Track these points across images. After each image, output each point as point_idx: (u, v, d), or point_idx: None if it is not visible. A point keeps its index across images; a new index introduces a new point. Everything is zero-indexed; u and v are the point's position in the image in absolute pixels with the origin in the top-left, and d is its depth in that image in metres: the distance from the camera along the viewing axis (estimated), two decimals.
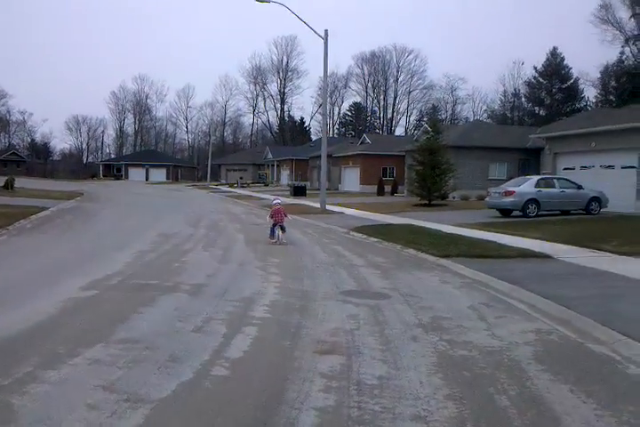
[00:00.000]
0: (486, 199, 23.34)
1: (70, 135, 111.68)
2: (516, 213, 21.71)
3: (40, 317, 6.37)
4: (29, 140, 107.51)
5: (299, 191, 43.41)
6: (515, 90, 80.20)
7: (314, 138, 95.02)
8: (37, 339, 5.55)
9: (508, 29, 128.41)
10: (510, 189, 21.72)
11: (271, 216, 14.68)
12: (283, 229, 14.43)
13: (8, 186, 36.31)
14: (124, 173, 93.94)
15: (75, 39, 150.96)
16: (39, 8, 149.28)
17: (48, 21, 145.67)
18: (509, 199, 21.37)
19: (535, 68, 73.78)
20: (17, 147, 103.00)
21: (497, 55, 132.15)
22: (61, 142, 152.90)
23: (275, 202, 15.53)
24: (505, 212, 22.09)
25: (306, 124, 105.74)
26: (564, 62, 71.87)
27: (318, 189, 33.44)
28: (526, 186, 21.70)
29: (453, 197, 32.95)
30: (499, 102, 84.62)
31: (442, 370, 4.96)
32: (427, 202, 29.25)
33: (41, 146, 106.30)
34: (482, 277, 9.58)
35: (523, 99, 78.78)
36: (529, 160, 36.52)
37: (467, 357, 5.37)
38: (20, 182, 42.72)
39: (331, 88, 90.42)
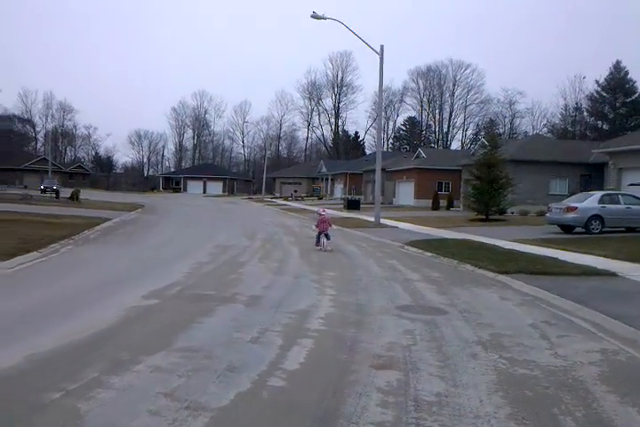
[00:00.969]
0: (547, 215, 22.68)
1: (132, 149, 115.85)
2: (578, 229, 21.01)
3: (104, 324, 6.58)
4: (94, 153, 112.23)
5: (352, 205, 43.42)
6: (576, 104, 78.03)
7: (368, 152, 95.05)
8: (102, 346, 5.73)
9: (567, 43, 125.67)
10: (573, 204, 21.07)
11: (317, 225, 16.20)
12: (327, 236, 15.80)
13: (74, 197, 37.88)
14: (182, 186, 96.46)
15: (139, 57, 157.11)
16: (104, 29, 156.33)
17: (113, 41, 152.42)
18: (571, 215, 20.72)
19: (597, 81, 71.87)
20: (82, 160, 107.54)
21: (557, 69, 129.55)
22: (124, 156, 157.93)
23: (320, 213, 16.73)
24: (567, 228, 21.42)
25: (360, 139, 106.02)
26: (628, 76, 69.75)
27: (372, 203, 33.37)
28: (589, 202, 21.01)
29: (512, 213, 32.21)
30: (559, 116, 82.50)
31: (502, 389, 4.83)
32: (484, 217, 28.70)
33: (104, 159, 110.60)
34: (543, 294, 9.30)
35: (585, 113, 76.60)
36: (591, 175, 35.37)
37: (528, 376, 5.21)
38: (85, 194, 44.48)
39: (385, 103, 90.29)
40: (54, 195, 44.32)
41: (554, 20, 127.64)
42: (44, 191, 49.43)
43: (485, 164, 29.21)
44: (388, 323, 7.17)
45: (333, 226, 16.97)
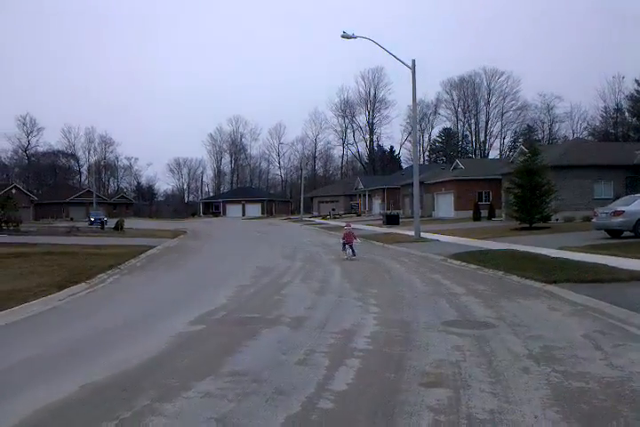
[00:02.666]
0: (593, 220, 22.12)
1: (172, 177, 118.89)
2: (626, 233, 20.39)
3: (154, 351, 6.69)
4: (136, 183, 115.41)
5: (391, 220, 43.21)
6: (617, 105, 76.35)
7: (404, 166, 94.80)
8: (152, 373, 5.83)
9: (604, 43, 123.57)
10: (619, 208, 20.51)
11: (343, 238, 19.06)
12: (352, 248, 18.46)
13: (118, 227, 38.84)
14: (222, 210, 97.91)
15: (174, 87, 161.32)
16: (138, 62, 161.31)
17: (148, 72, 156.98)
18: (619, 219, 20.15)
19: (637, 81, 70.19)
20: (125, 190, 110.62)
21: (594, 71, 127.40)
22: (164, 184, 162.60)
23: (345, 227, 20.05)
24: (614, 233, 20.82)
25: (395, 153, 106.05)
26: None
27: (411, 217, 33.15)
28: (636, 204, 20.41)
29: (556, 220, 31.51)
30: (600, 119, 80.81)
31: (558, 403, 4.69)
32: (527, 225, 28.15)
33: (146, 188, 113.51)
34: (594, 303, 9.03)
35: (626, 113, 74.80)
36: (636, 178, 34.40)
37: (584, 389, 5.04)
38: (129, 223, 45.63)
39: (419, 116, 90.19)
40: (100, 226, 45.53)
41: (588, 21, 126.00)
42: (92, 224, 49.92)
43: (526, 171, 28.77)
44: (435, 339, 7.07)
45: (358, 239, 20.00)
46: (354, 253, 18.33)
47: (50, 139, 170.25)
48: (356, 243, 19.04)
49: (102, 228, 44.21)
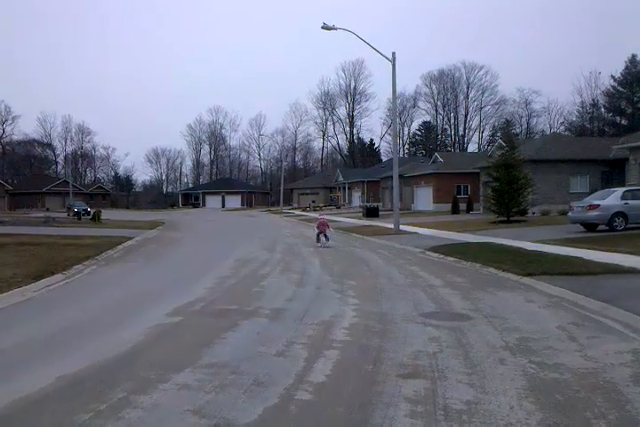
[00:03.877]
0: (569, 214, 22.42)
1: (150, 167, 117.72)
2: (601, 227, 20.73)
3: (130, 343, 6.63)
4: (113, 173, 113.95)
5: (371, 213, 43.32)
6: (593, 100, 77.36)
7: (384, 159, 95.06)
8: (129, 365, 5.77)
9: (582, 40, 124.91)
10: (595, 202, 20.81)
11: (317, 227, 20.61)
12: (326, 236, 20.13)
13: (95, 218, 38.35)
14: (201, 202, 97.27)
15: (153, 76, 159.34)
16: (118, 49, 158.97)
17: (127, 61, 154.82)
18: (594, 213, 20.46)
19: (613, 77, 71.25)
20: (102, 180, 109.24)
21: (572, 66, 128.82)
22: (142, 174, 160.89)
23: (319, 217, 22.06)
24: (590, 226, 21.14)
25: (375, 146, 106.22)
26: None
27: (391, 210, 33.28)
28: (612, 199, 20.74)
29: (533, 213, 31.88)
30: (576, 114, 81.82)
31: (533, 394, 4.76)
32: (505, 219, 28.45)
33: (124, 179, 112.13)
34: (569, 295, 9.17)
35: (602, 109, 75.84)
36: (612, 172, 34.94)
37: (559, 380, 5.12)
38: (106, 214, 45.04)
39: (399, 108, 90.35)
40: (77, 217, 44.84)
41: (566, 17, 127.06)
42: (77, 215, 45.90)
43: (503, 165, 29.02)
44: (412, 331, 7.12)
45: (331, 229, 21.23)
46: (327, 239, 20.06)
47: (25, 128, 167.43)
48: (329, 232, 20.50)
49: (79, 218, 43.62)
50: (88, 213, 43.26)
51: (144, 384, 5.08)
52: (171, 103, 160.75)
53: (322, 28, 26.17)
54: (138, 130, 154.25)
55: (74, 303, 9.67)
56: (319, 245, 19.89)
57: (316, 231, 20.64)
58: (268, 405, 4.57)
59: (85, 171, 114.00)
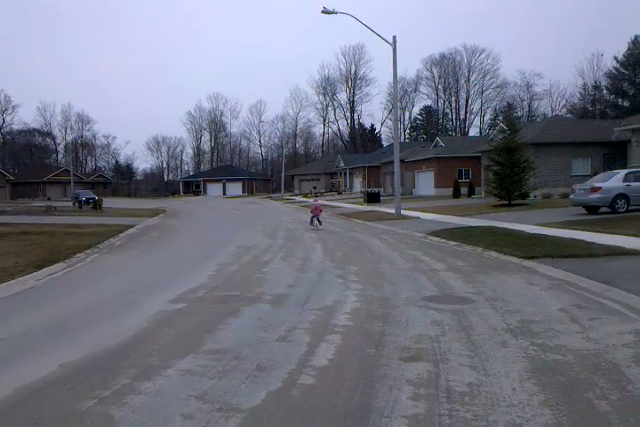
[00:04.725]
0: (570, 197, 22.36)
1: (151, 155, 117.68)
2: (603, 209, 20.68)
3: (134, 330, 6.65)
4: (114, 162, 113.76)
5: (372, 198, 43.28)
6: (595, 82, 76.68)
7: (385, 144, 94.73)
8: (132, 351, 5.79)
9: (584, 21, 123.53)
10: (597, 184, 20.73)
11: (311, 211, 22.04)
12: (319, 220, 21.72)
13: (96, 206, 38.40)
14: (202, 189, 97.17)
15: (152, 63, 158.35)
16: (116, 37, 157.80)
17: (125, 49, 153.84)
18: (596, 195, 20.39)
19: (616, 58, 70.45)
20: (103, 169, 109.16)
21: (574, 48, 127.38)
22: (143, 162, 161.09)
23: (313, 202, 23.44)
24: (591, 209, 21.10)
25: (376, 131, 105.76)
26: None
27: (392, 195, 33.21)
28: (613, 181, 20.65)
29: (535, 196, 31.81)
30: (578, 96, 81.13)
31: (535, 376, 4.77)
32: (506, 202, 28.42)
33: (124, 167, 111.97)
34: (571, 277, 9.17)
35: (604, 91, 75.18)
36: (614, 154, 34.78)
37: (561, 361, 5.13)
38: (107, 202, 45.11)
39: (400, 93, 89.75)
40: (79, 205, 44.83)
41: None
42: (83, 204, 45.18)
43: (505, 148, 28.89)
44: (415, 315, 7.13)
45: (323, 213, 23.06)
46: (320, 223, 21.70)
47: (25, 117, 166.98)
48: (322, 215, 22.49)
49: (81, 207, 43.68)
50: (95, 202, 42.94)
51: (147, 371, 5.10)
52: (171, 91, 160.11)
53: (322, 12, 25.92)
54: (138, 118, 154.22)
55: (76, 292, 9.70)
56: (312, 227, 21.64)
57: (310, 215, 22.18)
58: (270, 389, 4.58)
59: (86, 159, 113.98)
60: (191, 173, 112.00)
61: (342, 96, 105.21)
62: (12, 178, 75.64)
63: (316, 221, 21.66)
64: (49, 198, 72.22)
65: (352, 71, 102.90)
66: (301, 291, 8.96)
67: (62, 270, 11.88)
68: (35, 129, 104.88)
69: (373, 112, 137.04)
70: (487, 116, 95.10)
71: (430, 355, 5.42)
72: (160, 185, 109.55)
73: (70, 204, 50.07)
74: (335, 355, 5.52)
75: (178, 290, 9.15)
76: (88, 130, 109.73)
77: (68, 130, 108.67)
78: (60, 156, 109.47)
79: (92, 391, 4.60)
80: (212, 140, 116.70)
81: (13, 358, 5.66)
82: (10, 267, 11.14)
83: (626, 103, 69.27)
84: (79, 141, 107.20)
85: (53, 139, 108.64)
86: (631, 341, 5.71)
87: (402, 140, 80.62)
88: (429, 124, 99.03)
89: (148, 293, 9.22)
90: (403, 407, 4.16)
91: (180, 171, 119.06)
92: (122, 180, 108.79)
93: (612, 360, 5.10)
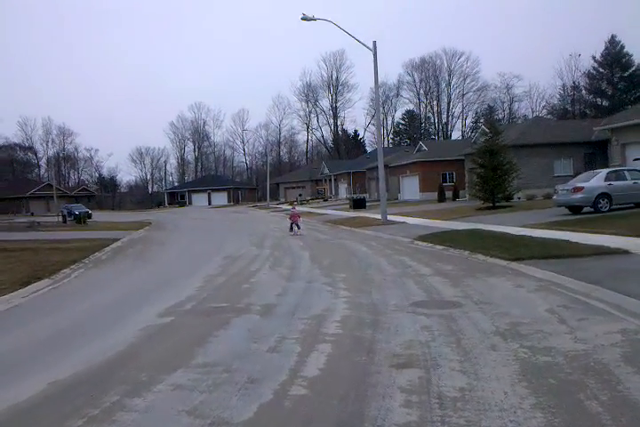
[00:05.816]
0: (554, 197, 22.56)
1: (135, 167, 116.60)
2: (586, 209, 20.88)
3: (122, 346, 6.59)
4: (97, 175, 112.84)
5: (358, 204, 43.37)
6: (574, 82, 77.69)
7: (369, 149, 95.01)
8: (121, 367, 5.73)
9: (561, 22, 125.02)
10: (579, 184, 20.92)
11: (290, 218, 23.82)
12: (297, 226, 22.93)
13: (81, 221, 38.06)
14: (187, 200, 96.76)
15: (133, 74, 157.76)
16: (95, 49, 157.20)
17: (105, 60, 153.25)
18: (579, 195, 20.57)
19: (594, 57, 71.52)
20: (86, 182, 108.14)
21: (552, 49, 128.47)
22: (127, 175, 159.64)
23: (291, 210, 26.16)
24: (575, 209, 21.28)
25: (360, 137, 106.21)
26: (624, 50, 69.49)
27: (378, 201, 33.29)
28: (596, 180, 20.85)
29: (518, 198, 32.08)
30: (558, 97, 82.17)
31: (526, 378, 4.78)
32: (491, 205, 28.61)
33: (108, 180, 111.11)
34: (557, 278, 9.24)
35: (583, 91, 76.21)
36: (595, 154, 35.19)
37: (551, 363, 5.16)
38: (92, 216, 44.65)
39: (382, 98, 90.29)
40: (62, 219, 44.41)
41: (545, 0, 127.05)
42: (69, 218, 43.87)
43: (487, 151, 29.14)
44: (404, 321, 7.14)
45: (301, 218, 24.42)
46: (299, 228, 22.95)
47: (5, 131, 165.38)
48: (300, 221, 23.70)
49: (65, 221, 43.27)
50: (89, 216, 42.15)
51: (137, 387, 5.05)
52: (153, 101, 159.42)
53: (301, 19, 25.95)
54: (120, 130, 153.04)
55: (62, 308, 9.58)
56: (292, 233, 22.71)
57: (290, 222, 23.52)
58: (262, 401, 4.55)
59: (69, 173, 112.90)
60: (176, 184, 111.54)
61: (325, 102, 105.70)
62: None
63: (295, 227, 22.85)
64: (32, 214, 71.41)
65: (334, 77, 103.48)
66: (290, 300, 8.93)
67: (48, 287, 11.75)
68: (16, 144, 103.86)
69: (356, 118, 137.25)
70: (469, 120, 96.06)
71: (421, 361, 5.43)
72: (145, 197, 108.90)
73: (55, 219, 49.43)
74: (326, 364, 5.50)
75: (166, 303, 9.08)
76: (70, 143, 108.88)
77: (49, 144, 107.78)
78: (43, 170, 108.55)
79: (82, 410, 4.54)
80: (196, 150, 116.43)
81: (1, 377, 5.57)
82: None
83: (605, 103, 70.28)
84: (61, 155, 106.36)
85: (35, 153, 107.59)
86: (619, 340, 5.76)
87: (385, 146, 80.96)
88: (412, 129, 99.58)
89: (135, 307, 9.14)
90: (395, 415, 4.15)
91: (165, 182, 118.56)
92: (106, 193, 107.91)
93: (602, 360, 5.13)
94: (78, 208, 49.49)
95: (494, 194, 28.51)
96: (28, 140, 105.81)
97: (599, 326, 6.37)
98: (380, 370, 5.20)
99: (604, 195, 20.46)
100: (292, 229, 23.12)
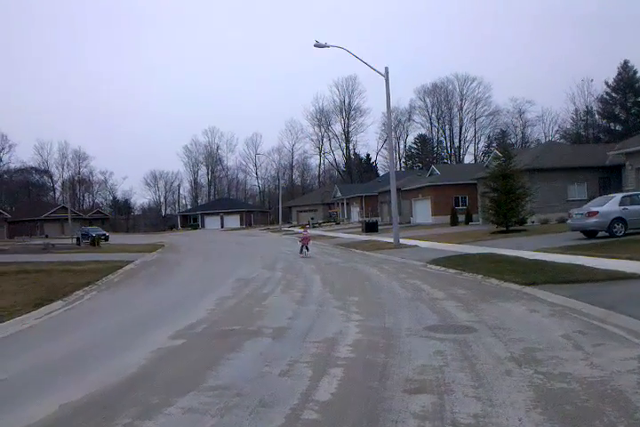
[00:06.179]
0: (568, 221, 22.43)
1: (149, 190, 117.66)
2: (601, 233, 20.71)
3: (133, 368, 6.58)
4: (111, 197, 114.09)
5: (370, 227, 43.28)
6: (587, 107, 77.85)
7: (381, 173, 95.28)
8: (132, 390, 5.72)
9: (573, 48, 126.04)
10: (594, 209, 20.82)
11: (300, 240, 24.80)
12: (307, 248, 24.00)
13: (95, 243, 38.33)
14: (200, 223, 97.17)
15: (148, 99, 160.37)
16: (112, 73, 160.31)
17: (121, 85, 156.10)
18: (593, 220, 20.45)
19: (607, 83, 71.83)
20: (100, 205, 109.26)
21: (564, 74, 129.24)
22: (141, 198, 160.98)
23: (303, 232, 26.54)
24: (589, 233, 21.13)
25: (372, 161, 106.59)
26: (638, 75, 69.66)
27: (390, 224, 33.27)
28: (610, 205, 20.74)
29: (532, 222, 31.89)
30: (570, 121, 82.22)
31: (541, 405, 4.71)
32: (504, 229, 28.45)
33: (122, 202, 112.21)
34: (572, 303, 9.13)
35: (596, 116, 76.34)
36: (609, 178, 35.04)
37: (566, 389, 5.08)
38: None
39: (394, 123, 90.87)
40: (76, 242, 44.74)
41: (556, 26, 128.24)
42: (84, 241, 43.68)
43: (500, 175, 29.10)
44: (417, 345, 7.08)
45: (311, 242, 25.84)
46: (308, 250, 23.95)
47: (22, 155, 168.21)
48: (310, 244, 24.95)
49: (79, 244, 43.58)
50: (107, 238, 42.60)
51: (148, 409, 5.03)
52: (167, 126, 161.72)
53: (314, 46, 26.35)
54: (135, 153, 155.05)
55: (75, 330, 9.61)
56: (301, 255, 23.49)
57: (300, 244, 24.47)
58: (274, 426, 4.52)
59: (83, 196, 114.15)
60: (189, 207, 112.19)
61: (337, 127, 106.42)
62: (9, 216, 75.56)
63: (305, 250, 23.76)
64: (47, 236, 72.07)
65: (346, 102, 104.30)
66: (302, 323, 8.89)
67: (61, 309, 11.80)
68: (32, 167, 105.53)
69: (368, 142, 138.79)
70: (481, 144, 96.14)
71: (434, 386, 5.36)
72: (158, 219, 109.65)
73: (69, 241, 49.78)
74: (338, 389, 5.45)
75: (178, 326, 9.08)
76: (85, 166, 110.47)
77: (65, 167, 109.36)
78: (58, 193, 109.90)
79: None
80: (209, 173, 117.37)
81: (14, 399, 5.59)
82: (8, 306, 11.06)
83: (618, 127, 70.27)
84: (76, 178, 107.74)
85: (50, 176, 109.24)
86: (636, 367, 5.66)
87: (398, 169, 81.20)
88: (425, 153, 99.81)
89: (147, 329, 9.14)
90: None
91: (178, 205, 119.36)
92: (120, 215, 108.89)
93: (618, 387, 5.05)
94: (95, 231, 50.04)
95: (508, 218, 28.37)
96: (44, 163, 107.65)
97: (615, 351, 6.28)
98: (393, 395, 5.15)
99: (618, 219, 20.33)
100: (301, 251, 23.99)
